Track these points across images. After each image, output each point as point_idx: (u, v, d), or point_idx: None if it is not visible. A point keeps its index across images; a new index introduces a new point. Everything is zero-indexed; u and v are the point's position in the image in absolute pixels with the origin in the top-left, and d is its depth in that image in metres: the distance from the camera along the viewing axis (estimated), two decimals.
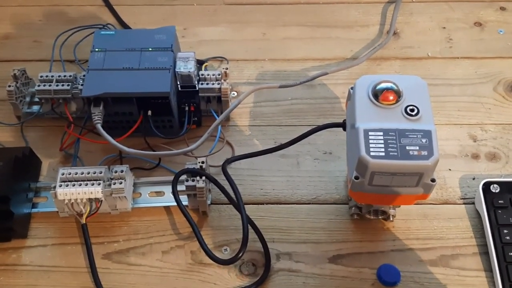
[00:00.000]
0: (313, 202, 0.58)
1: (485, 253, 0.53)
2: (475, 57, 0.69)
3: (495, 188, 0.55)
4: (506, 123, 0.63)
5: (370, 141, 0.43)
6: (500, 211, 0.54)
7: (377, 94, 0.46)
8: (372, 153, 0.43)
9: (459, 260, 0.53)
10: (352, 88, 0.49)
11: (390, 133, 0.44)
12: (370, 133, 0.44)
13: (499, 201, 0.54)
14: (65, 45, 0.69)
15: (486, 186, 0.55)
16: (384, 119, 0.45)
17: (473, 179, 0.59)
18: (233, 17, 0.74)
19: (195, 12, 0.75)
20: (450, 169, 0.59)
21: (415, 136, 0.43)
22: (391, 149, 0.43)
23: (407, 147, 0.43)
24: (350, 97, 0.49)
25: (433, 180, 0.44)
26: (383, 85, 0.46)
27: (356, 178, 0.45)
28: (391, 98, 0.45)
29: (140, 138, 0.59)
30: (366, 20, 0.73)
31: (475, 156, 0.60)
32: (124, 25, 0.72)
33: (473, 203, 0.57)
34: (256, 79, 0.68)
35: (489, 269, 0.52)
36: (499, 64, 0.68)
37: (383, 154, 0.43)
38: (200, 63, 0.66)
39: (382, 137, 0.43)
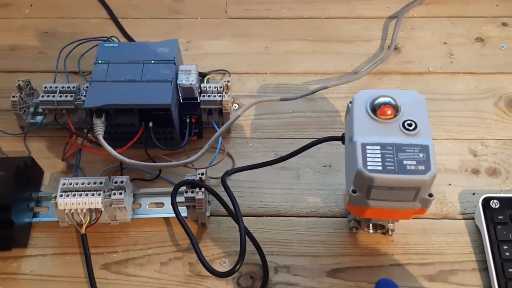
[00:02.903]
0: (313, 215, 0.58)
1: (484, 269, 0.53)
2: (476, 73, 0.69)
3: (495, 204, 0.55)
4: (507, 138, 0.63)
5: (368, 155, 0.44)
6: (499, 227, 0.53)
7: (375, 109, 0.46)
8: (369, 167, 0.43)
9: (458, 275, 0.53)
10: (350, 102, 0.49)
11: (387, 147, 0.44)
12: (367, 147, 0.44)
13: (499, 217, 0.54)
14: (69, 57, 0.70)
15: (486, 202, 0.55)
16: (381, 133, 0.45)
17: (473, 194, 0.58)
18: (236, 31, 0.75)
19: (198, 25, 0.75)
20: (450, 184, 0.59)
21: (413, 150, 0.44)
22: (388, 163, 0.43)
23: (404, 162, 0.43)
24: (349, 111, 0.49)
25: (430, 195, 0.44)
26: (381, 99, 0.46)
27: (354, 191, 0.45)
28: (389, 112, 0.46)
29: (141, 149, 0.60)
30: (367, 35, 0.73)
31: (475, 171, 0.60)
32: (129, 38, 0.73)
33: (473, 219, 0.57)
34: (257, 92, 0.68)
35: (488, 286, 0.52)
36: (501, 79, 0.68)
37: (380, 168, 0.43)
38: (202, 75, 0.67)
39: (379, 151, 0.44)
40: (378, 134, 0.45)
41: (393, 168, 0.43)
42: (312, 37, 0.74)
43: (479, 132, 0.63)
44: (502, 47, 0.72)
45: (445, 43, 0.72)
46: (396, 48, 0.72)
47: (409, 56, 0.71)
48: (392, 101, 0.46)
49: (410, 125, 0.45)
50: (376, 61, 0.70)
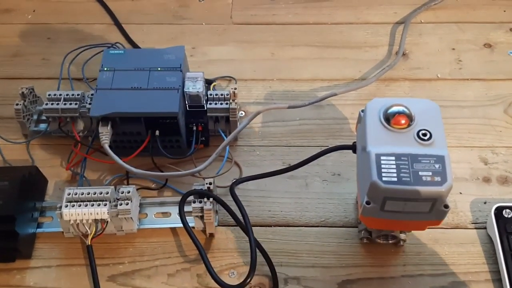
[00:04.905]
0: (322, 225, 0.57)
1: (498, 279, 0.52)
2: (485, 79, 0.68)
3: (507, 213, 0.54)
4: None
5: (382, 166, 0.43)
6: None
7: (388, 118, 0.45)
8: (384, 178, 0.42)
9: (471, 287, 0.52)
10: (362, 111, 0.48)
11: (402, 158, 0.43)
12: (382, 157, 0.43)
13: None
14: (73, 63, 0.69)
15: (499, 211, 0.54)
16: (396, 143, 0.44)
17: (485, 203, 0.58)
18: (242, 36, 0.74)
19: (204, 31, 0.75)
20: (461, 193, 0.58)
21: (428, 161, 0.43)
22: (404, 175, 0.42)
23: (420, 173, 0.42)
24: (361, 120, 0.48)
25: (446, 206, 0.43)
26: (395, 108, 0.45)
27: (368, 203, 0.44)
28: (403, 122, 0.45)
29: (147, 158, 0.59)
30: (374, 41, 0.73)
31: (487, 180, 0.59)
32: (133, 44, 0.72)
33: (485, 228, 0.56)
34: (264, 99, 0.67)
35: None
36: (510, 86, 0.68)
37: (395, 179, 0.42)
38: (208, 82, 0.66)
39: (394, 162, 0.43)
40: (392, 144, 0.44)
41: (408, 179, 0.42)
42: (319, 43, 0.73)
43: (490, 140, 0.63)
44: (511, 53, 0.71)
45: (453, 49, 0.72)
46: (404, 54, 0.71)
47: (417, 62, 0.70)
48: (406, 110, 0.45)
49: (424, 134, 0.44)
50: (384, 67, 0.69)
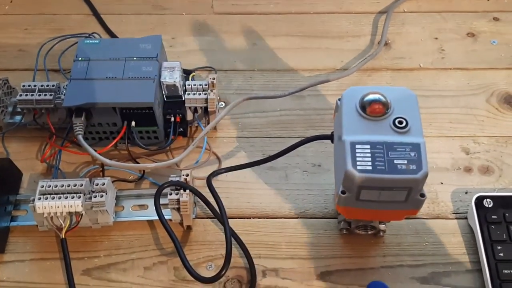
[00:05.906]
0: (302, 216, 0.56)
1: (478, 270, 0.52)
2: (467, 68, 0.68)
3: (488, 203, 0.54)
4: (500, 135, 0.62)
5: (357, 154, 0.42)
6: (493, 227, 0.52)
7: (364, 106, 0.44)
8: (359, 167, 0.41)
9: (451, 277, 0.52)
10: (339, 99, 0.47)
11: (377, 146, 0.42)
12: (357, 146, 0.42)
13: (493, 216, 0.53)
14: (50, 54, 0.68)
15: (479, 201, 0.54)
16: (371, 131, 0.43)
17: (466, 193, 0.57)
18: (223, 26, 0.73)
19: (184, 21, 0.73)
20: (442, 183, 0.58)
21: (404, 149, 0.42)
22: (379, 163, 0.41)
23: (395, 161, 0.41)
24: (338, 109, 0.48)
25: (422, 195, 0.43)
26: (371, 96, 0.45)
27: (343, 192, 0.43)
28: (378, 110, 0.44)
29: (124, 149, 0.58)
30: (357, 31, 0.72)
31: (468, 170, 0.59)
32: (111, 34, 0.71)
33: (466, 218, 0.55)
34: (245, 90, 0.66)
35: (482, 287, 0.51)
36: (492, 75, 0.67)
37: (370, 168, 0.41)
38: (187, 73, 0.65)
39: (369, 150, 0.42)
40: (368, 132, 0.43)
41: (383, 168, 0.41)
42: (301, 33, 0.72)
43: (471, 129, 0.62)
44: (494, 42, 0.71)
45: (436, 38, 0.71)
46: (386, 44, 0.70)
47: (399, 52, 0.69)
48: (382, 98, 0.44)
49: (400, 122, 0.43)
50: (366, 57, 0.68)
